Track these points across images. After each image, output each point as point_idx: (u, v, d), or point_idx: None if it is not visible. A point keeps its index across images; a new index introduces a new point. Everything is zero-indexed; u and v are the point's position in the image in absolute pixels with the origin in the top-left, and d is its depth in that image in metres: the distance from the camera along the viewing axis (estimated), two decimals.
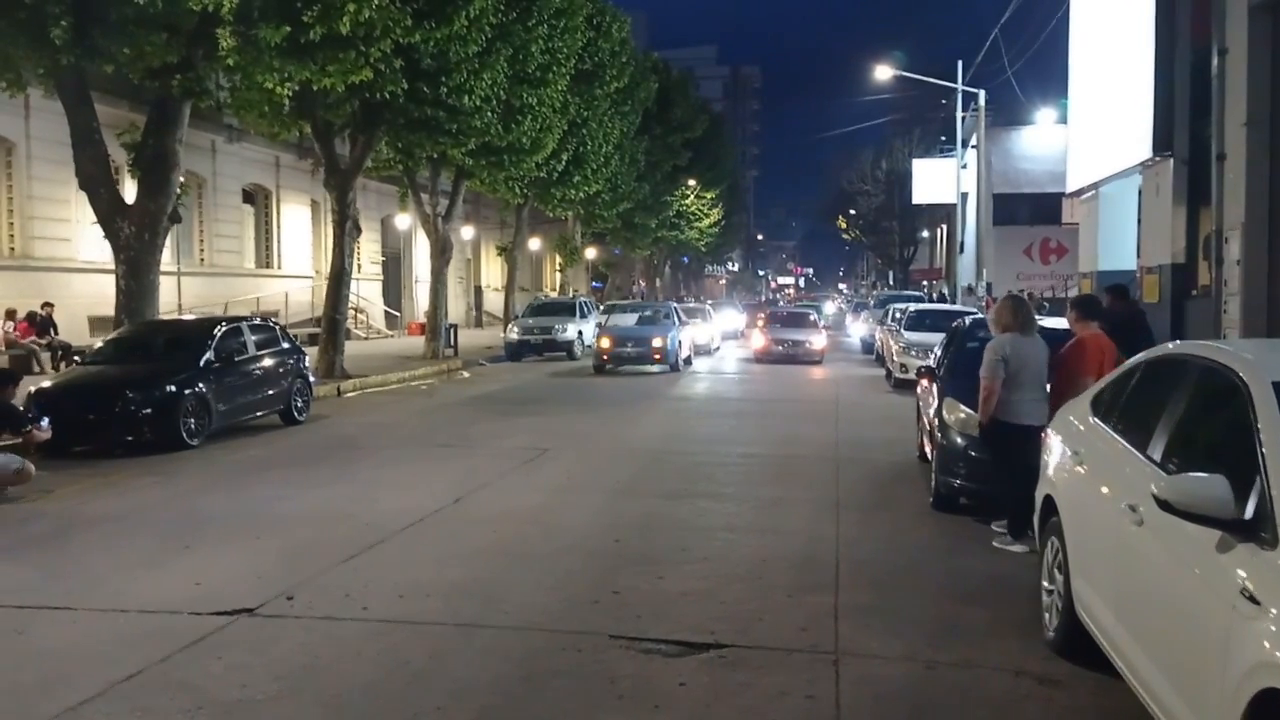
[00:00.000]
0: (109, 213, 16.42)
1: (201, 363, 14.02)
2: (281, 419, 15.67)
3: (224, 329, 14.85)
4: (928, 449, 10.64)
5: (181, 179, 17.07)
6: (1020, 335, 8.24)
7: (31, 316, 22.20)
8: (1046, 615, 5.94)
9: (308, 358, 16.81)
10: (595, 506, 9.61)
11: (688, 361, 27.24)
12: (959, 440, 9.12)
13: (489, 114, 23.21)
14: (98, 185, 16.30)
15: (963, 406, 9.22)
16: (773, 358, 28.55)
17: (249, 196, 34.81)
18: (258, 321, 16.51)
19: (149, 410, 13.04)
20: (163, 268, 27.62)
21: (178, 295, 28.17)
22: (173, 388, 13.33)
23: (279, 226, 36.03)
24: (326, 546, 7.96)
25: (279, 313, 32.83)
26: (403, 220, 37.07)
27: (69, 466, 11.95)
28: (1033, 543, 7.65)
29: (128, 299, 16.69)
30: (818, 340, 29.11)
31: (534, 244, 48.66)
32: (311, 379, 16.73)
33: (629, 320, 28.25)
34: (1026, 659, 5.66)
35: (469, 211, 49.72)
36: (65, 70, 15.54)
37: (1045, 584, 6.03)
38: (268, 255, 35.74)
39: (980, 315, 13.69)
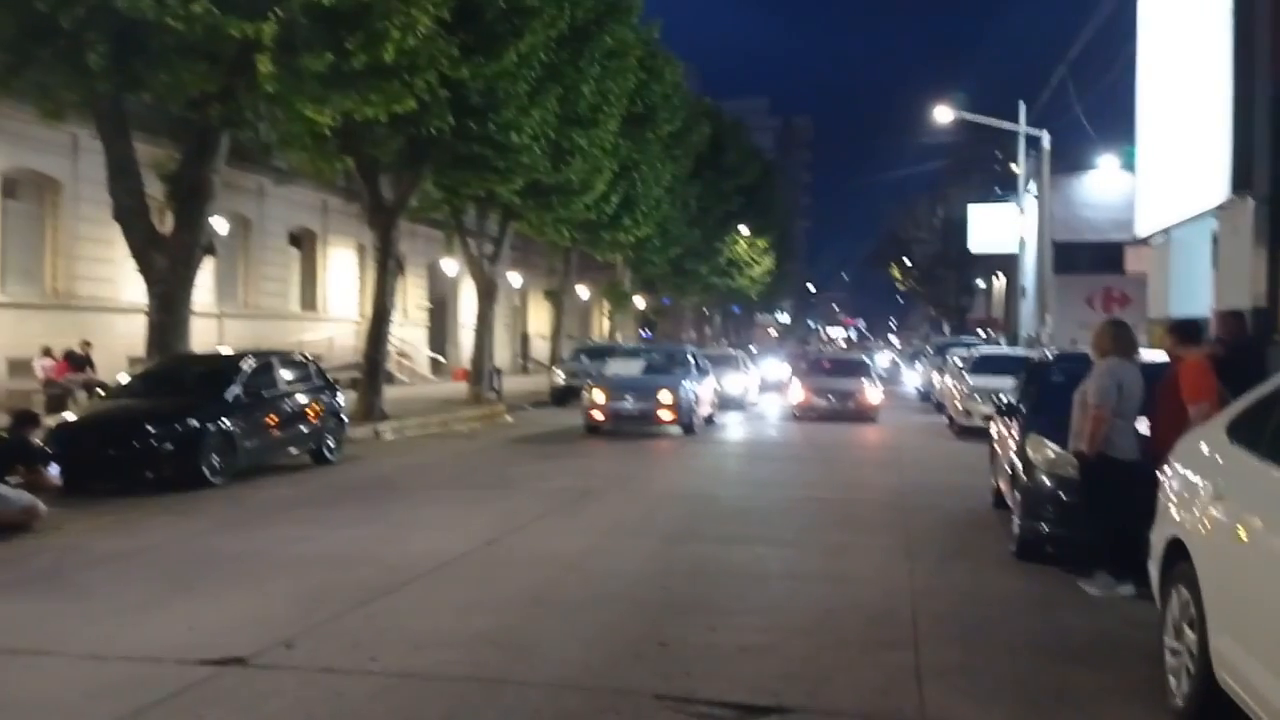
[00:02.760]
0: (143, 245, 15.95)
1: (229, 398, 13.37)
2: (313, 459, 14.99)
3: (253, 363, 14.24)
4: (1005, 494, 9.71)
5: (214, 215, 16.58)
6: (1124, 360, 7.36)
7: (70, 355, 21.91)
8: (1172, 680, 4.99)
9: (341, 395, 16.14)
10: (641, 551, 8.75)
11: (710, 421, 21.71)
12: (1047, 482, 8.18)
13: (537, 151, 22.67)
14: (133, 217, 15.84)
15: (1050, 444, 8.28)
16: (816, 414, 23.49)
17: (295, 239, 34.59)
18: (289, 356, 15.88)
19: (170, 446, 12.38)
20: (205, 309, 27.85)
21: (219, 336, 27.81)
22: (196, 423, 12.67)
23: (325, 270, 35.76)
24: (341, 590, 7.17)
25: (322, 356, 32.43)
26: (450, 265, 36.68)
27: (86, 504, 11.30)
28: (1136, 585, 6.76)
29: (160, 334, 16.15)
30: (871, 392, 23.86)
31: (583, 291, 48.15)
32: (345, 418, 16.04)
33: (633, 368, 21.69)
34: None
35: (517, 258, 49.39)
36: (103, 100, 15.17)
37: (1170, 642, 5.07)
38: (313, 298, 35.42)
39: (1057, 351, 12.72)
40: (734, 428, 22.29)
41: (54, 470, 10.62)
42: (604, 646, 5.92)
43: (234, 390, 13.51)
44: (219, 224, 26.24)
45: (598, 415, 19.46)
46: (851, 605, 6.95)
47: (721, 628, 6.34)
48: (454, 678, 5.31)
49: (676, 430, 19.34)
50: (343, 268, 36.68)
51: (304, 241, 35.21)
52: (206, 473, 12.53)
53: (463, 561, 8.27)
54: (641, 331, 58.35)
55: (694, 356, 22.38)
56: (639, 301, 54.25)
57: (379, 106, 16.21)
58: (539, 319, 51.09)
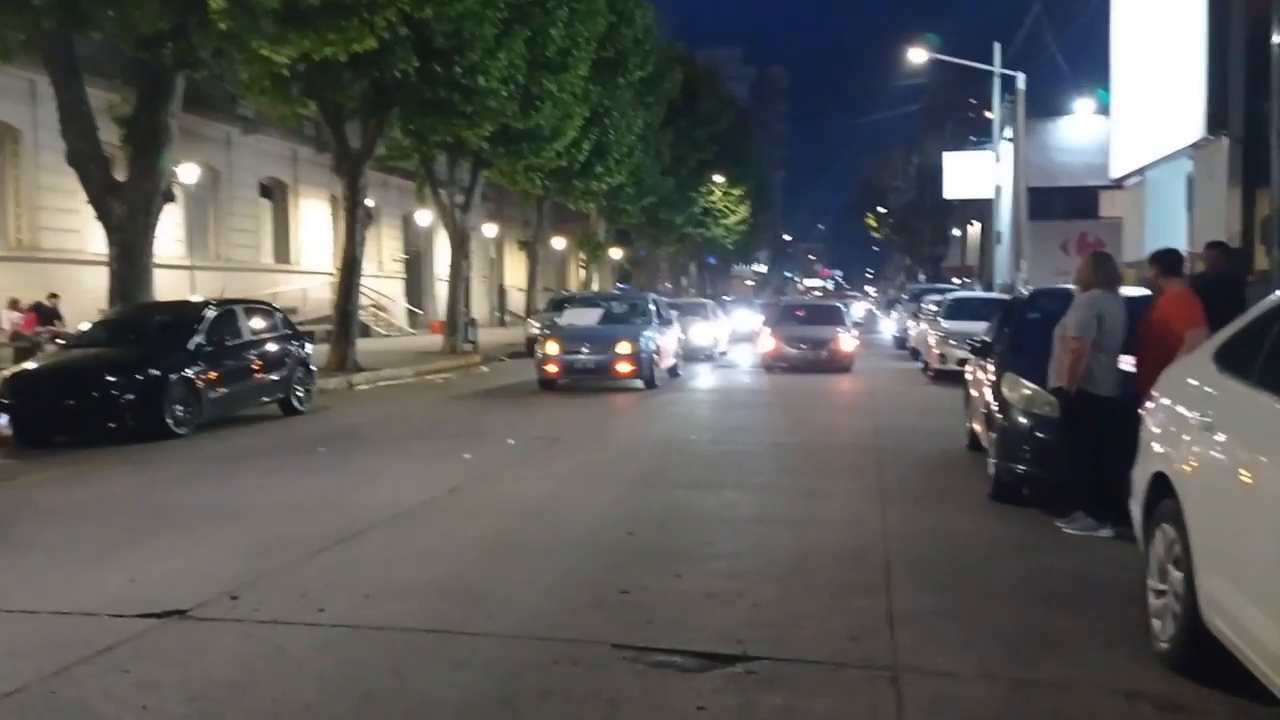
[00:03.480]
0: (100, 192, 15.46)
1: (191, 346, 13.00)
2: (281, 409, 14.67)
3: (216, 312, 13.85)
4: (981, 436, 9.50)
5: (175, 158, 16.08)
6: (1106, 293, 7.12)
7: (38, 307, 21.43)
8: (1157, 622, 4.77)
9: (309, 345, 15.77)
10: (608, 497, 8.50)
11: (673, 373, 20.22)
12: (1023, 421, 7.95)
13: (503, 94, 22.17)
14: (87, 162, 15.35)
15: (1026, 382, 8.05)
16: (786, 363, 21.92)
17: (266, 190, 33.97)
18: (254, 305, 15.48)
19: (131, 396, 12.03)
20: (176, 261, 27.35)
21: (191, 289, 27.29)
22: (157, 372, 12.32)
23: (297, 221, 35.17)
24: (295, 541, 6.88)
25: (297, 309, 32.01)
26: (424, 217, 36.14)
27: (43, 456, 11.02)
28: (1116, 528, 6.60)
29: (121, 284, 15.73)
30: (845, 340, 22.22)
31: (558, 243, 47.63)
32: (313, 367, 15.68)
33: (589, 318, 19.75)
34: (1137, 677, 4.50)
35: (492, 210, 48.81)
36: (51, 39, 14.62)
37: (1154, 584, 4.85)
38: (286, 250, 34.88)
39: (1035, 289, 12.47)
40: (701, 378, 21.25)
41: (2, 421, 10.27)
42: (564, 594, 5.66)
43: (197, 339, 13.16)
44: (188, 173, 25.69)
45: (551, 369, 18.01)
46: (822, 549, 6.72)
47: (687, 574, 6.09)
48: (404, 629, 5.04)
49: (637, 384, 18.15)
50: (316, 219, 36.10)
51: (275, 193, 34.62)
52: (170, 423, 12.22)
53: (424, 509, 8.00)
54: (618, 284, 57.95)
55: (656, 305, 20.57)
56: (615, 253, 53.81)
57: (338, 46, 15.73)
58: (516, 271, 50.60)
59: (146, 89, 15.85)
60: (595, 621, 5.18)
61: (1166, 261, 7.42)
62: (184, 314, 13.98)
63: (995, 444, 8.34)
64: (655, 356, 18.30)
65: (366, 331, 34.41)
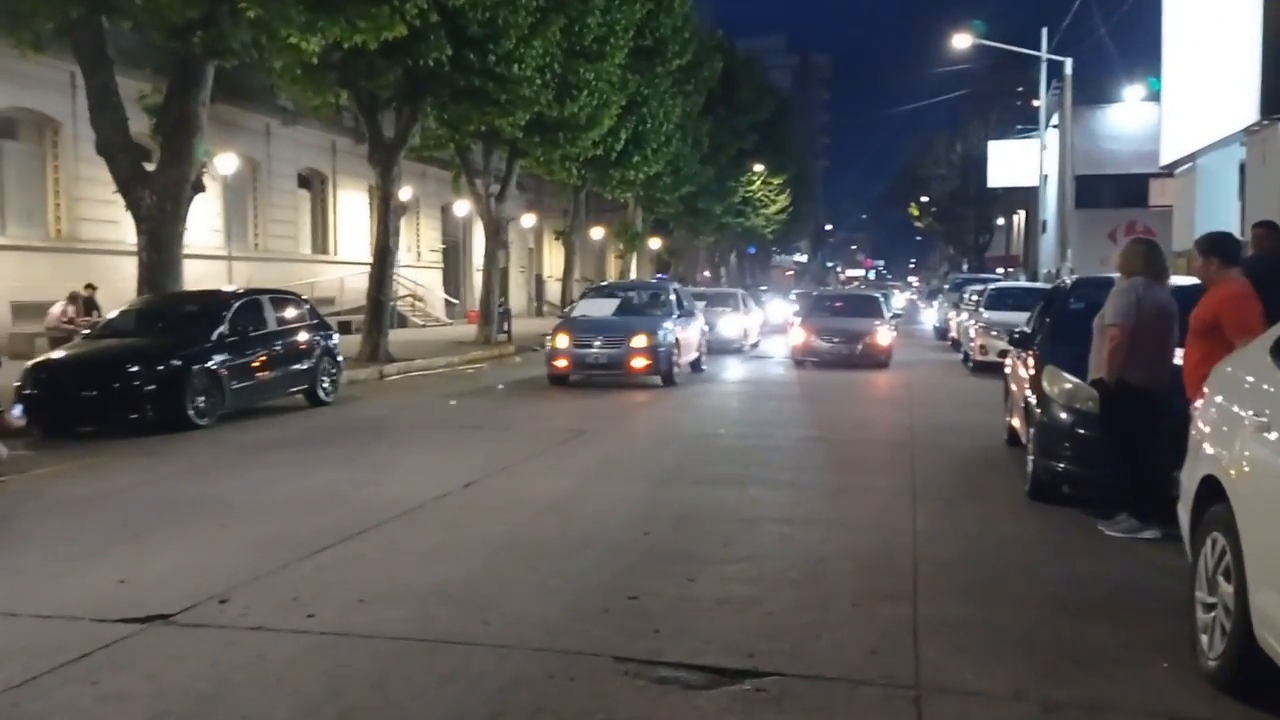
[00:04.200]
0: (129, 180, 15.34)
1: (214, 336, 12.85)
2: (308, 400, 14.49)
3: (241, 301, 13.70)
4: (1019, 430, 9.09)
5: (206, 148, 15.94)
6: (1150, 280, 6.68)
7: (74, 298, 21.47)
8: (1204, 637, 4.40)
9: (336, 335, 15.59)
10: (627, 494, 8.19)
11: (695, 367, 19.02)
12: (1064, 416, 7.54)
13: (538, 83, 21.88)
14: (116, 151, 15.22)
15: (1067, 375, 7.64)
16: (818, 358, 20.60)
17: (305, 181, 33.97)
18: (281, 295, 15.32)
19: (152, 387, 11.87)
20: (214, 251, 27.37)
21: (229, 280, 27.33)
22: (179, 362, 12.16)
23: (335, 212, 35.16)
24: (299, 537, 6.64)
25: (334, 299, 32.06)
26: (462, 207, 36.01)
27: (60, 447, 10.86)
28: (1163, 529, 6.21)
29: (149, 273, 15.60)
30: (881, 334, 20.82)
31: (596, 233, 47.36)
32: (340, 357, 15.49)
33: (604, 309, 18.33)
34: (1182, 698, 4.14)
35: (530, 200, 48.65)
36: (79, 27, 14.52)
37: (1202, 596, 4.47)
38: (324, 241, 34.88)
39: (1078, 277, 11.99)
40: (730, 370, 20.41)
41: (16, 411, 10.14)
42: (569, 600, 5.36)
43: (220, 329, 13.00)
44: (226, 163, 25.70)
45: (560, 364, 16.68)
46: (847, 553, 6.38)
47: (702, 578, 5.78)
48: (394, 637, 4.75)
49: (655, 380, 16.88)
50: (354, 210, 36.08)
51: (314, 183, 34.62)
52: (191, 414, 12.06)
53: (436, 505, 7.73)
54: (657, 274, 57.58)
55: (677, 294, 19.12)
56: (654, 243, 53.41)
57: (368, 33, 15.54)
58: (554, 261, 50.41)
59: (177, 78, 15.71)
60: (599, 630, 4.87)
61: (1222, 248, 6.38)
62: (209, 304, 13.82)
63: (1034, 440, 7.94)
64: (675, 350, 16.91)
65: (404, 322, 34.40)
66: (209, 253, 27.46)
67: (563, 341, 16.77)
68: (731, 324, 24.47)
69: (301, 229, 33.56)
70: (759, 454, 10.21)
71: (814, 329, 21.15)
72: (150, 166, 15.83)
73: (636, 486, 8.50)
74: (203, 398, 12.28)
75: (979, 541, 6.71)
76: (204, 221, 28.10)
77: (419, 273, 38.91)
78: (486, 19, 19.87)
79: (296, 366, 14.22)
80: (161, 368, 12.03)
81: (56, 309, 20.53)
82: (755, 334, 26.87)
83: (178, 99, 15.60)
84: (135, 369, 11.92)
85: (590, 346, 16.61)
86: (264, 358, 13.58)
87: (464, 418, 13.27)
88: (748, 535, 6.84)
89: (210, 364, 12.51)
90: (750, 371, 20.69)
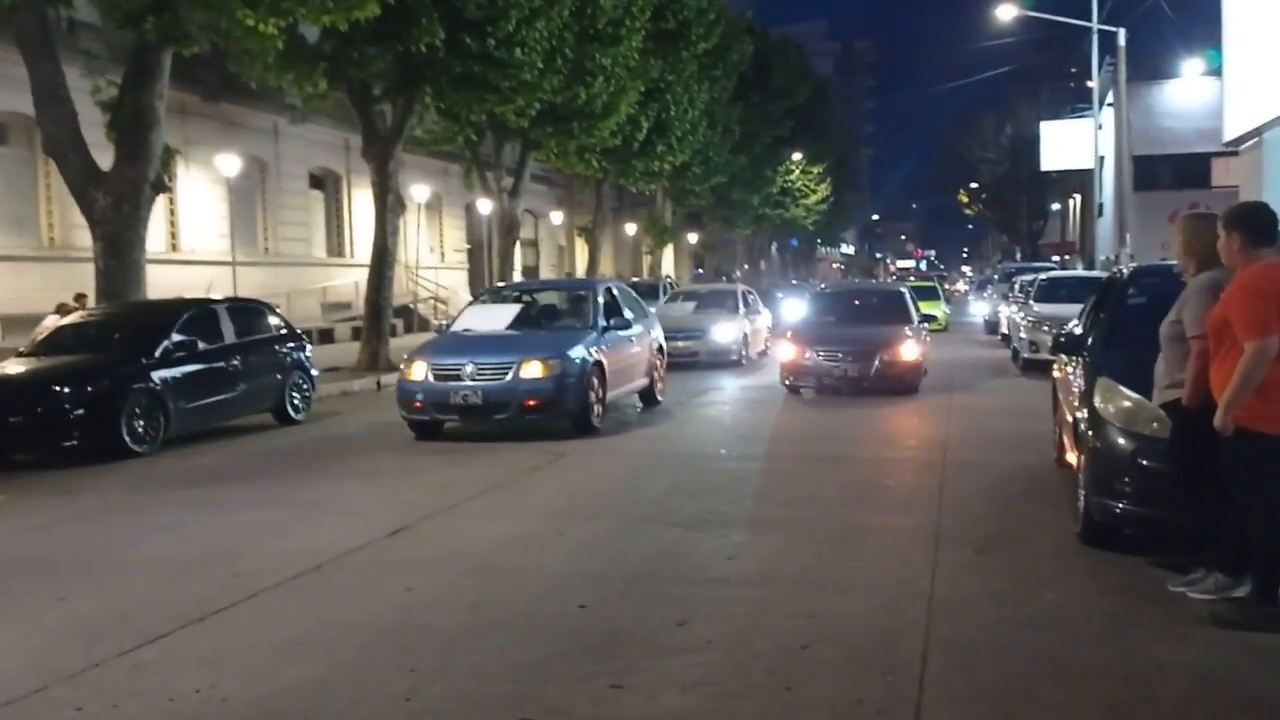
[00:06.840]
0: (81, 181, 14.07)
1: (158, 352, 11.49)
2: (276, 418, 13.13)
3: (192, 312, 12.36)
4: (1070, 454, 7.43)
5: (165, 143, 14.63)
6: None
7: (62, 309, 20.41)
8: None
9: (309, 346, 14.23)
10: (582, 542, 6.67)
11: (649, 399, 13.79)
12: (1122, 442, 5.89)
13: (543, 68, 20.41)
14: (65, 150, 13.97)
15: (1127, 391, 6.00)
16: (815, 382, 14.75)
17: (318, 182, 32.84)
18: (244, 304, 13.98)
19: (81, 410, 10.55)
20: (218, 257, 26.23)
21: (233, 287, 26.22)
22: (111, 382, 10.84)
23: (351, 213, 33.98)
24: (142, 618, 5.21)
25: (350, 303, 30.90)
26: (485, 205, 34.74)
27: None
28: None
29: (107, 282, 14.37)
30: (905, 348, 14.55)
31: (630, 228, 45.88)
32: (314, 371, 14.08)
33: (497, 319, 12.73)
34: None
35: (560, 195, 47.26)
36: (21, 13, 13.31)
37: None
38: (339, 243, 33.75)
39: (1138, 266, 10.21)
40: (712, 394, 15.54)
41: None
42: None
43: (165, 344, 11.63)
44: (229, 164, 24.53)
45: (415, 405, 11.39)
46: (836, 633, 4.81)
47: (633, 681, 4.25)
48: None
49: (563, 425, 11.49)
50: (371, 210, 34.89)
51: (327, 183, 33.48)
52: (128, 440, 10.72)
53: (338, 565, 6.26)
54: (696, 270, 55.92)
55: (616, 294, 13.50)
56: (691, 237, 51.79)
57: (337, 14, 14.18)
58: (585, 259, 49.04)
59: (131, 69, 14.43)
60: None
61: (1249, 223, 4.91)
62: (156, 316, 12.49)
63: (1086, 471, 6.28)
64: (595, 380, 11.59)
65: (425, 325, 33.15)
66: (213, 259, 26.40)
67: (418, 371, 11.44)
68: (726, 330, 20.05)
69: (315, 231, 32.45)
70: (758, 481, 8.64)
71: (809, 341, 14.91)
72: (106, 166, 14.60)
73: (598, 530, 6.97)
74: (142, 421, 10.94)
75: (1014, 611, 5.11)
76: (209, 226, 27.04)
77: (443, 274, 37.70)
78: (485, 0, 18.48)
79: (260, 382, 12.85)
80: (91, 388, 10.70)
81: (49, 321, 19.51)
82: (761, 341, 22.40)
83: (133, 92, 14.30)
84: (62, 390, 10.61)
85: (456, 378, 11.21)
86: (219, 375, 12.22)
87: (438, 438, 11.67)
88: (713, 607, 5.29)
89: (151, 383, 11.17)
90: (750, 379, 17.61)
